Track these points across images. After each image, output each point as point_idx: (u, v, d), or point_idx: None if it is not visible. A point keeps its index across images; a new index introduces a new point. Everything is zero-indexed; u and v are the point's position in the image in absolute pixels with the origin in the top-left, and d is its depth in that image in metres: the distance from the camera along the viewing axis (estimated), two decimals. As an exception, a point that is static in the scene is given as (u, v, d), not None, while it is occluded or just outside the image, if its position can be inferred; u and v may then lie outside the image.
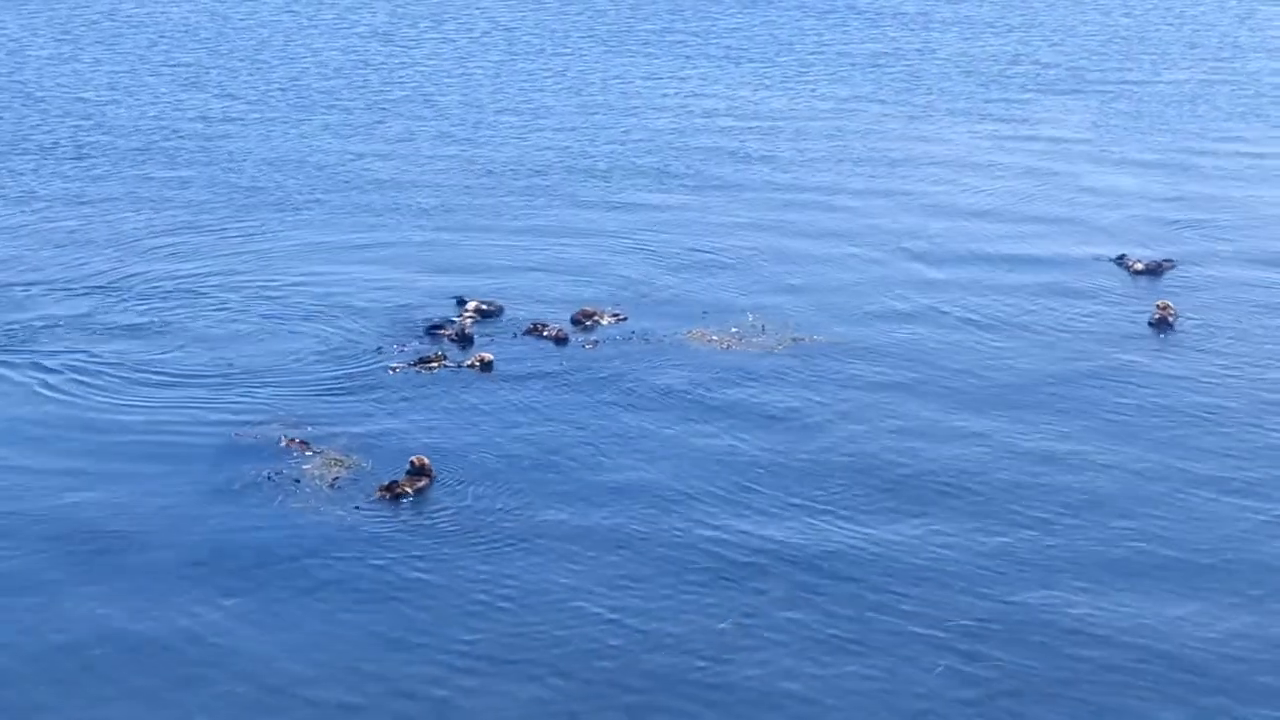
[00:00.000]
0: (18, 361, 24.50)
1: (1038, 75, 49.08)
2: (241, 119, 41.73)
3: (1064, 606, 17.64)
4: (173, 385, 23.55)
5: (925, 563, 18.56)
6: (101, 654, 16.55)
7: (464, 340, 25.13)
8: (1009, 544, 19.07)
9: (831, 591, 17.83)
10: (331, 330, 25.94)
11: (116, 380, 23.67)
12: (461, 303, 26.37)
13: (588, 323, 26.05)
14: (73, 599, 17.50)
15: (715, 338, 25.64)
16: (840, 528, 19.37)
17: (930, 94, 46.15)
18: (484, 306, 26.42)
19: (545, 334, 25.59)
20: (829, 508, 19.88)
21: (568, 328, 25.89)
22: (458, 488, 20.17)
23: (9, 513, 19.54)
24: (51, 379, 23.70)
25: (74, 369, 24.12)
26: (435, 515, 19.47)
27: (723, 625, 16.98)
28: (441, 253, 30.61)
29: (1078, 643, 16.97)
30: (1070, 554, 18.82)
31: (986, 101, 45.28)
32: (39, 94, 44.08)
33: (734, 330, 25.96)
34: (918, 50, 52.65)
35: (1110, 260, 30.19)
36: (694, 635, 16.89)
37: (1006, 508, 19.99)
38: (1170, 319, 26.80)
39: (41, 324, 26.14)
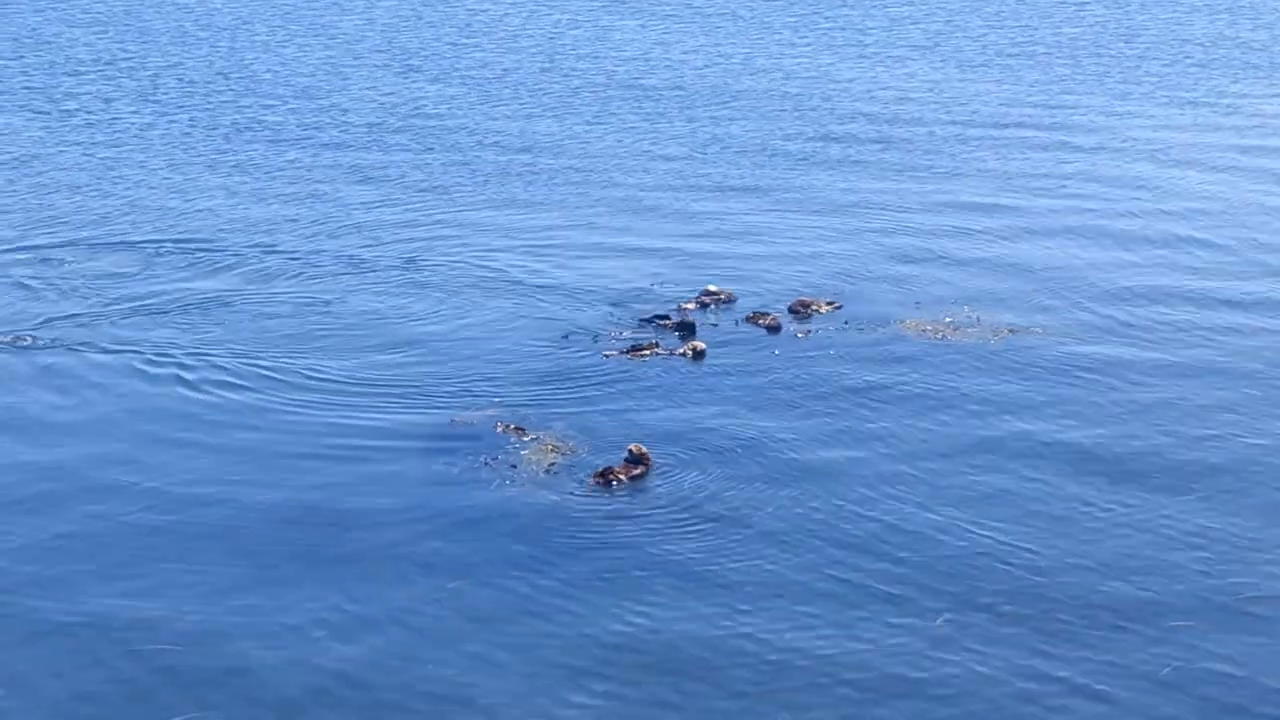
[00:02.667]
0: (238, 328, 25.18)
1: (1246, 58, 47.76)
2: (452, 102, 42.27)
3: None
4: (392, 368, 23.87)
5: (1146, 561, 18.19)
6: (321, 632, 16.84)
7: (685, 329, 25.11)
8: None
9: (1053, 595, 17.47)
10: (549, 317, 26.13)
11: (334, 363, 24.03)
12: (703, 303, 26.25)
13: (804, 312, 25.98)
14: (304, 584, 17.73)
15: (929, 328, 25.39)
16: (1064, 524, 19.06)
17: (1140, 78, 45.14)
18: (707, 299, 26.41)
19: (761, 323, 25.60)
20: (1051, 504, 19.51)
21: (784, 317, 25.86)
22: (672, 476, 20.15)
23: (238, 495, 19.91)
24: (265, 358, 24.18)
25: (287, 347, 24.62)
26: (651, 503, 19.45)
27: (939, 620, 16.75)
28: (663, 238, 30.73)
29: None
30: None
31: (1196, 84, 44.19)
32: (257, 77, 45.06)
33: (948, 320, 25.68)
34: (1124, 38, 51.55)
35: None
36: (908, 630, 16.67)
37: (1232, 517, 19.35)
38: None
39: (263, 300, 26.82)
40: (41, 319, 25.72)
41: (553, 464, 20.42)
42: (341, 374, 23.56)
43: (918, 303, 26.62)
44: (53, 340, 24.71)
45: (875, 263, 28.82)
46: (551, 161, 36.20)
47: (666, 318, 25.60)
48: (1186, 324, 25.66)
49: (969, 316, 25.84)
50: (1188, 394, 22.77)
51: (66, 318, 25.80)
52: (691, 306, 26.13)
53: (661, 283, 27.72)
